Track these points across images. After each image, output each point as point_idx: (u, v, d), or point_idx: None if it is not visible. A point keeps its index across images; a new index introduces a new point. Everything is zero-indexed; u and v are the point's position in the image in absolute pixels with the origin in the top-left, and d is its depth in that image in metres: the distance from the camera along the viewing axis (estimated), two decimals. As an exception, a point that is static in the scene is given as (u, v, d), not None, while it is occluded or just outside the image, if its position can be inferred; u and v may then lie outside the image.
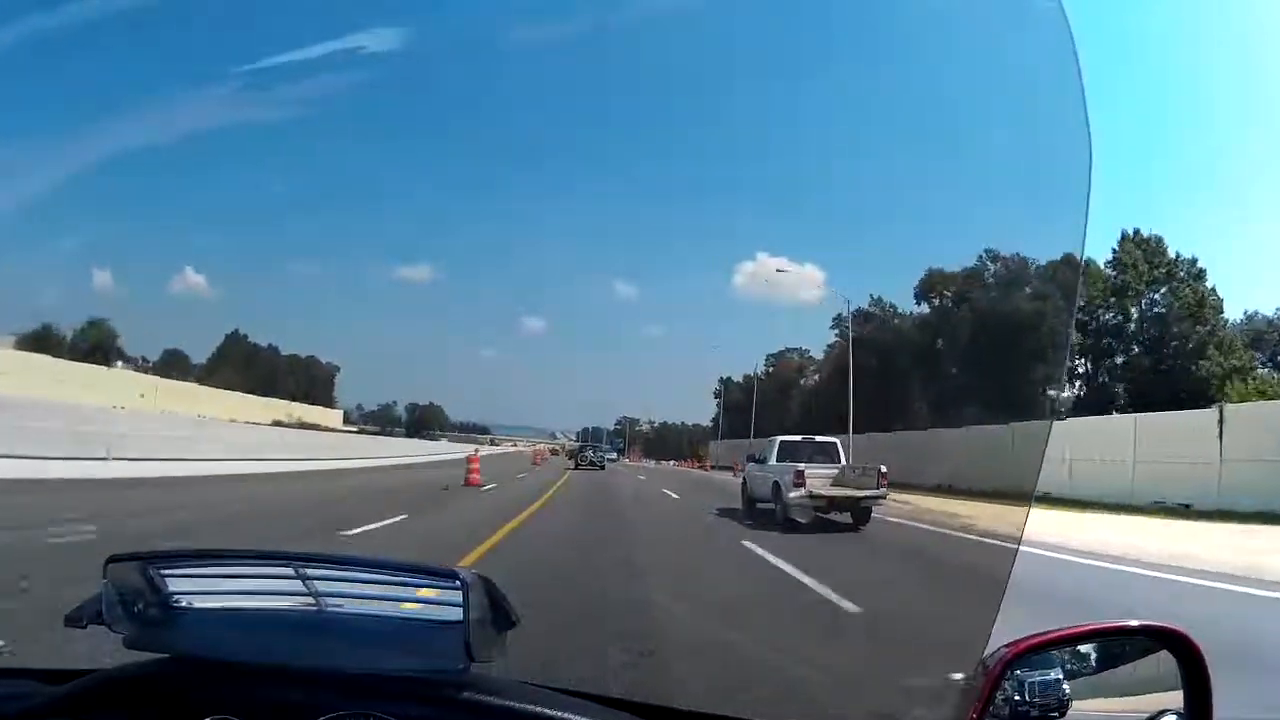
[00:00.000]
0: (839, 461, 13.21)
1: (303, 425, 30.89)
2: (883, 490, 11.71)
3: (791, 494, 11.67)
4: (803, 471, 11.76)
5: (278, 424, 29.16)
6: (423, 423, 43.56)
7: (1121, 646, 1.19)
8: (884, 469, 11.75)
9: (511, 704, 1.11)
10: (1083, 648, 1.17)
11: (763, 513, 12.90)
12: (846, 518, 11.88)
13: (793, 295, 38.42)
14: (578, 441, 41.04)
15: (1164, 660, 1.10)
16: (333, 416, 39.36)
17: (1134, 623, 1.15)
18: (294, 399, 36.10)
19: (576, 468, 27.90)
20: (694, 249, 42.89)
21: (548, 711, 1.11)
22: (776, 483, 12.38)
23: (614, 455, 37.51)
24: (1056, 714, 1.10)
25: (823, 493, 11.79)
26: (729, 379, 40.40)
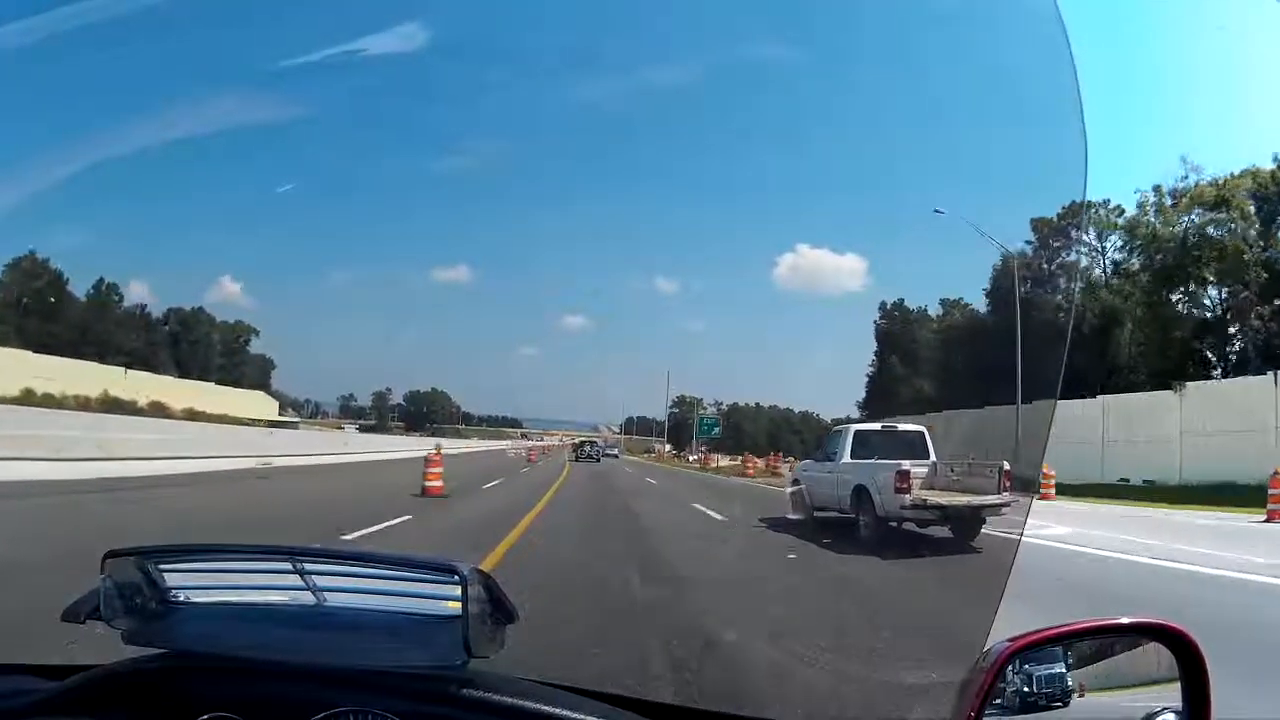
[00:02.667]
0: (928, 456, 10.24)
1: (103, 404, 19.45)
2: (1006, 496, 8.83)
3: (892, 502, 8.67)
4: (908, 472, 8.72)
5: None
6: (426, 415, 38.69)
7: (1120, 643, 1.19)
8: (1007, 466, 9.00)
9: (511, 700, 1.11)
10: (1082, 644, 1.17)
11: (824, 525, 10.03)
12: (945, 531, 8.98)
13: (836, 285, 37.48)
14: (620, 434, 40.48)
15: (1163, 658, 1.11)
16: (238, 400, 26.63)
17: (1133, 619, 1.15)
18: (138, 368, 22.81)
19: (577, 460, 30.36)
20: (733, 242, 41.88)
21: (547, 708, 1.11)
22: (861, 487, 9.31)
23: (615, 452, 36.71)
24: (1060, 704, 1.11)
25: (938, 501, 8.77)
26: (899, 303, 28.86)
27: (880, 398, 27.22)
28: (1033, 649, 1.09)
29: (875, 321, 30.06)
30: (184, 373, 25.77)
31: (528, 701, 1.11)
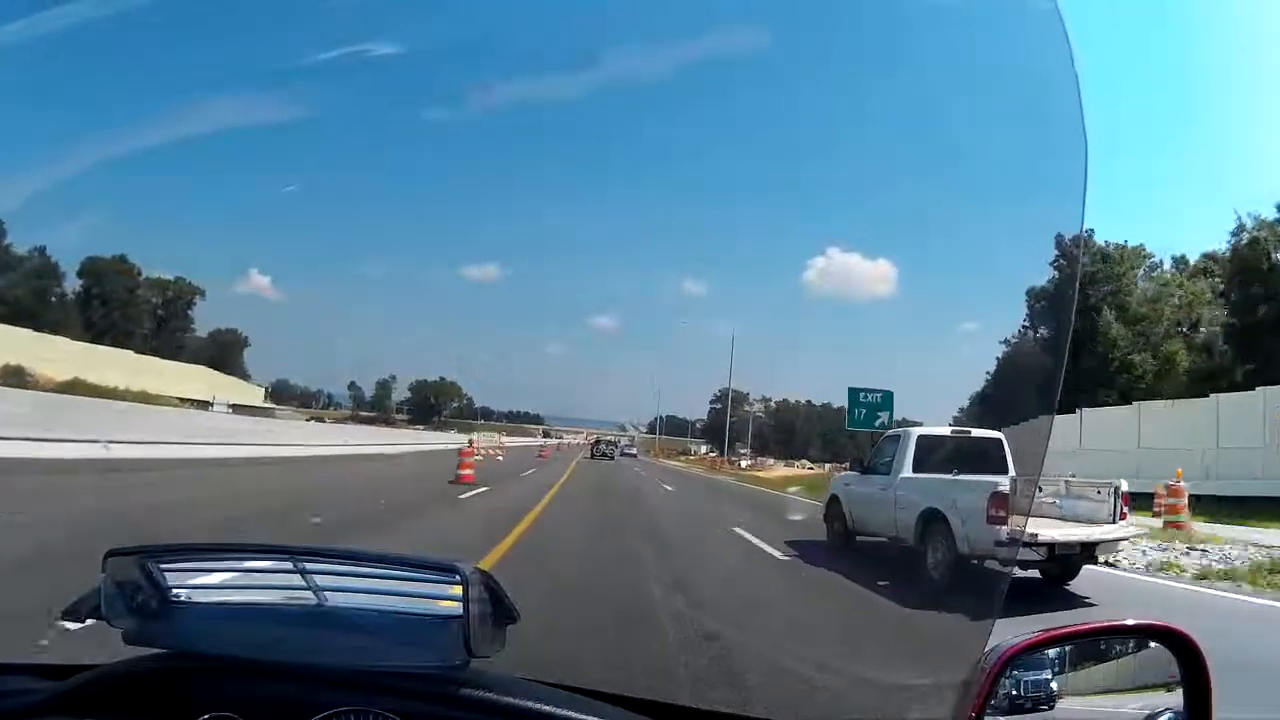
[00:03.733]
0: (1006, 471, 7.50)
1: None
2: (1124, 527, 6.85)
3: (981, 535, 6.25)
4: (1006, 495, 6.24)
5: None
6: (432, 407, 37.07)
7: (1122, 645, 1.19)
8: (1124, 485, 6.90)
9: (511, 700, 1.11)
10: (1083, 645, 1.17)
11: (868, 551, 8.21)
12: (1033, 572, 6.66)
13: (866, 291, 37.02)
14: (648, 433, 40.34)
15: (1164, 659, 1.11)
16: (171, 376, 20.04)
17: (1134, 621, 1.15)
18: (22, 324, 17.90)
19: (592, 457, 31.78)
20: (763, 245, 41.65)
21: (547, 708, 1.11)
22: (933, 513, 6.89)
23: (634, 451, 36.75)
24: (1046, 708, 1.11)
25: (1052, 535, 6.45)
26: (1091, 235, 19.70)
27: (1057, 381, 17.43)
28: (1033, 650, 1.09)
29: (1051, 264, 20.40)
30: (97, 337, 19.85)
31: (528, 701, 1.11)
